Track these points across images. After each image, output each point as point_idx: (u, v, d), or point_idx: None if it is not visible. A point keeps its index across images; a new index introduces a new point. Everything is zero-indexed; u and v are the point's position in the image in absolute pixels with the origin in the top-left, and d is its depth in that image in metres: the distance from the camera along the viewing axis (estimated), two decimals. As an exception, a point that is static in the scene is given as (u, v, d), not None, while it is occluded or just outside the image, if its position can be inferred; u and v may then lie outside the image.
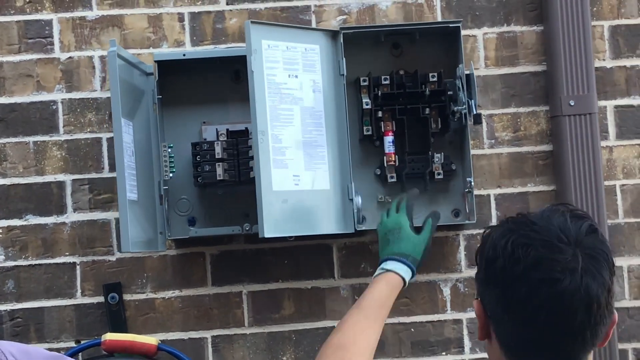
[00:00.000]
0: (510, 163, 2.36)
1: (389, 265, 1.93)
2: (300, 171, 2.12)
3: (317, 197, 2.15)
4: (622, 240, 2.36)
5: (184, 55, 2.23)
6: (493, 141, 2.36)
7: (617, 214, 2.37)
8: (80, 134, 2.30)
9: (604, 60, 2.38)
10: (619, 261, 2.35)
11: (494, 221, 2.34)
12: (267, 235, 2.03)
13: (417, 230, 2.01)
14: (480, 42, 2.37)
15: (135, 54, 2.30)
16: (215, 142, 2.20)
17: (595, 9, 2.38)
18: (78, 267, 2.29)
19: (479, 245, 1.37)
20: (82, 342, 2.26)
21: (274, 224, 2.06)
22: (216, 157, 2.20)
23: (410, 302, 2.33)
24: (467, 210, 2.27)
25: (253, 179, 2.17)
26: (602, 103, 2.37)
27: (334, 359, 1.66)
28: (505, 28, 2.38)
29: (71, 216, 2.29)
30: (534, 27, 2.38)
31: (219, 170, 2.19)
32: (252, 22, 2.06)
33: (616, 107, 2.38)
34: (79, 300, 2.29)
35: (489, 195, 2.35)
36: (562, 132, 2.31)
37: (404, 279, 1.91)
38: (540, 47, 2.37)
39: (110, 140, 2.30)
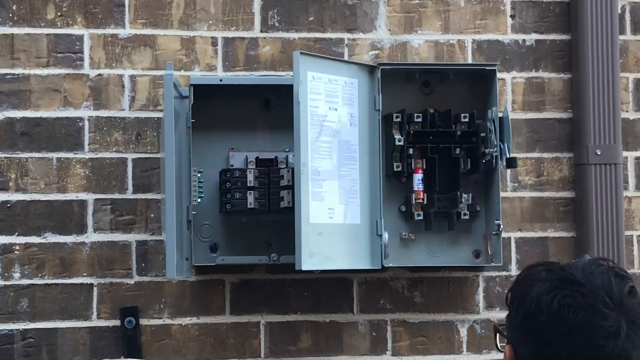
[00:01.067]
0: (532, 207, 2.41)
1: None
2: (335, 204, 2.14)
3: (349, 231, 2.17)
4: (638, 291, 2.41)
5: (221, 80, 2.24)
6: (516, 184, 2.41)
7: (633, 264, 2.42)
8: (105, 152, 2.29)
9: (627, 111, 2.45)
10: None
11: (513, 265, 2.38)
12: (304, 267, 2.04)
13: None
14: (508, 86, 2.42)
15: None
16: (248, 170, 2.21)
17: (621, 60, 2.44)
18: (95, 288, 2.27)
19: (512, 288, 1.39)
20: (96, 365, 2.25)
21: (309, 256, 2.07)
22: (248, 184, 2.20)
23: (428, 341, 2.36)
24: (490, 253, 2.30)
25: (282, 209, 2.21)
26: (624, 154, 2.43)
27: None
28: (533, 73, 2.43)
29: (91, 236, 2.27)
30: (561, 75, 2.43)
31: (250, 198, 2.20)
32: (301, 53, 2.07)
33: (637, 158, 2.45)
34: (94, 322, 2.27)
35: (509, 238, 2.38)
36: (587, 180, 2.37)
37: None
38: (567, 94, 2.43)
39: (135, 161, 2.29)
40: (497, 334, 1.51)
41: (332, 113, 2.16)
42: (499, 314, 2.36)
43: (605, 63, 2.38)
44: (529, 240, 2.40)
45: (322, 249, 2.11)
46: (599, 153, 2.36)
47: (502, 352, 1.49)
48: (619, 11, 2.44)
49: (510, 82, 2.42)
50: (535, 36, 2.43)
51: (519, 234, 2.40)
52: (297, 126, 2.07)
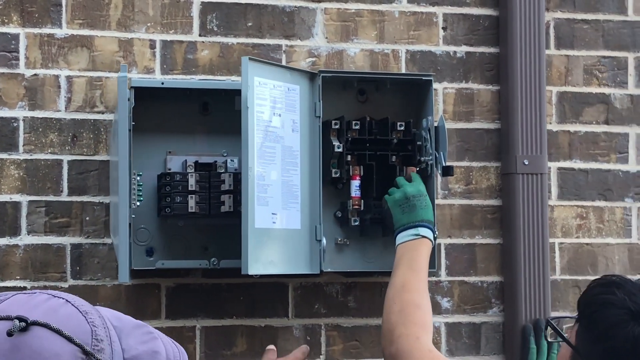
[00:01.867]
0: (461, 214, 2.49)
1: (424, 231, 2.11)
2: (278, 209, 2.17)
3: (290, 236, 2.20)
4: (557, 296, 2.52)
5: (163, 83, 2.24)
6: (446, 192, 2.49)
7: (555, 270, 2.53)
8: (40, 154, 2.27)
9: (550, 123, 2.56)
10: (554, 315, 2.52)
11: (443, 270, 2.45)
12: (250, 272, 2.06)
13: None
14: (440, 96, 2.50)
15: (103, 77, 2.30)
16: (189, 174, 2.22)
17: (545, 74, 2.55)
18: (28, 292, 2.24)
19: (589, 305, 1.58)
20: (26, 371, 2.21)
21: (255, 260, 2.10)
22: (189, 188, 2.21)
23: (360, 345, 2.41)
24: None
25: (222, 213, 2.24)
26: (548, 164, 2.53)
27: (417, 315, 1.92)
28: (463, 84, 2.52)
29: (25, 239, 2.25)
30: (490, 86, 2.53)
31: (191, 202, 2.21)
32: (249, 58, 2.10)
33: (559, 168, 2.56)
34: (27, 327, 2.24)
35: (439, 245, 2.46)
36: (514, 189, 2.46)
37: (432, 241, 2.13)
38: (495, 105, 2.53)
39: (71, 163, 2.28)
40: (549, 327, 1.71)
41: (276, 119, 2.19)
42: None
43: (532, 76, 2.49)
44: (458, 246, 2.48)
45: (267, 253, 2.14)
46: (526, 163, 2.46)
47: (567, 343, 1.64)
48: (544, 26, 2.55)
49: (441, 92, 2.50)
50: (465, 48, 2.52)
51: (449, 240, 2.48)
52: (244, 131, 2.09)
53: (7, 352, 1.15)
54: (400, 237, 2.13)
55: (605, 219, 2.58)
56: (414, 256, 2.07)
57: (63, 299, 1.21)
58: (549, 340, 1.75)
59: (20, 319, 1.16)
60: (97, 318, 1.21)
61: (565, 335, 1.65)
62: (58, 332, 1.16)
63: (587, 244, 2.57)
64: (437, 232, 2.20)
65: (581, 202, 2.57)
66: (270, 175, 2.17)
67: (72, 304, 1.21)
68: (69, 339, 1.17)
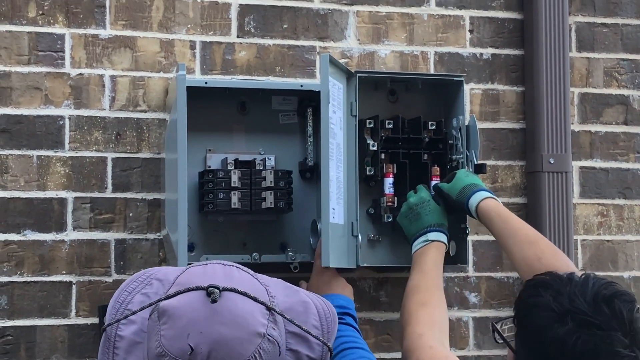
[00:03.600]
0: (488, 212, 2.61)
1: (432, 236, 2.22)
2: (335, 205, 2.27)
3: (340, 231, 2.31)
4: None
5: (206, 83, 2.34)
6: (473, 190, 2.61)
7: (578, 266, 2.64)
8: (85, 151, 2.37)
9: (572, 124, 2.69)
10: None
11: (470, 266, 2.57)
12: (331, 265, 2.18)
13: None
14: (467, 97, 2.61)
15: (146, 77, 2.41)
16: (232, 171, 2.32)
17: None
18: (74, 286, 2.33)
19: (519, 310, 1.58)
20: (75, 365, 2.32)
21: (332, 254, 2.19)
22: (232, 185, 2.31)
23: (392, 338, 2.53)
24: (452, 254, 2.46)
25: (263, 210, 2.34)
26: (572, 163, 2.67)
27: (421, 313, 1.98)
28: (489, 85, 2.64)
29: (71, 234, 2.34)
30: (514, 87, 2.66)
31: (234, 198, 2.31)
32: (329, 57, 2.20)
33: (581, 167, 2.69)
34: (73, 320, 2.33)
35: (468, 242, 2.54)
36: (540, 187, 2.59)
37: (446, 244, 2.21)
38: (519, 106, 2.65)
39: (115, 160, 2.38)
40: (495, 331, 1.71)
41: (334, 116, 2.29)
42: (457, 313, 2.55)
43: (557, 77, 2.61)
44: (485, 243, 2.60)
45: (332, 247, 2.23)
46: (552, 162, 2.59)
47: (507, 345, 1.67)
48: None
49: (468, 92, 2.62)
50: (491, 50, 2.65)
51: (476, 237, 2.60)
52: (325, 127, 2.19)
53: (209, 315, 1.31)
54: (414, 247, 2.26)
55: (624, 216, 2.71)
56: (422, 260, 2.18)
57: (233, 266, 1.39)
58: (498, 342, 1.74)
59: (214, 287, 1.32)
60: (264, 278, 1.39)
61: (508, 338, 1.67)
62: (245, 294, 1.34)
63: (607, 240, 2.70)
64: (449, 236, 2.28)
65: (602, 200, 2.70)
66: (332, 171, 2.26)
67: (242, 269, 1.40)
68: (254, 299, 1.34)
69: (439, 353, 1.87)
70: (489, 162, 2.62)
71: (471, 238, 2.59)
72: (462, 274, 2.58)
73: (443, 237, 2.24)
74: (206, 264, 1.41)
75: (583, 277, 1.58)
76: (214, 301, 1.30)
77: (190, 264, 2.22)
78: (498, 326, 1.73)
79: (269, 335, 1.33)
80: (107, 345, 1.43)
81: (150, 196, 2.39)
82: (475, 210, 2.21)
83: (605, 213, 2.71)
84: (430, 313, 2.00)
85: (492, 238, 2.56)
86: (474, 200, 2.21)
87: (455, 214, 2.35)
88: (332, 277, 2.24)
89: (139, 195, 2.39)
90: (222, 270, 1.38)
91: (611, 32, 2.74)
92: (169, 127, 2.33)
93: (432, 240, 2.22)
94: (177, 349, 1.31)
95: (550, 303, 1.52)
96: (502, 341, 1.71)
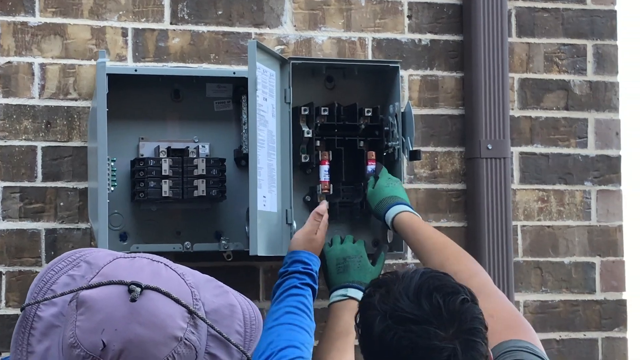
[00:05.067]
0: (427, 198, 2.62)
1: (352, 292, 2.23)
2: (266, 192, 2.27)
3: (272, 219, 2.31)
4: (520, 277, 2.66)
5: (136, 70, 2.34)
6: (412, 177, 2.62)
7: (517, 252, 2.67)
8: (14, 140, 2.36)
9: (512, 109, 2.69)
10: (516, 296, 2.66)
11: (409, 252, 2.57)
12: (260, 253, 2.17)
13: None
14: (405, 83, 2.62)
15: (76, 64, 2.40)
16: (163, 160, 2.31)
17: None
18: (4, 276, 2.32)
19: (358, 311, 1.57)
20: (3, 355, 2.30)
21: (260, 242, 2.19)
22: (163, 173, 2.31)
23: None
24: (390, 241, 2.49)
25: (196, 198, 2.34)
26: (510, 149, 2.66)
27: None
28: (428, 72, 2.64)
29: (0, 224, 2.34)
30: (453, 73, 2.66)
31: (165, 187, 2.31)
32: (257, 43, 2.20)
33: (521, 153, 2.70)
34: (3, 311, 2.32)
35: None
36: (478, 173, 2.59)
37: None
38: (458, 92, 2.66)
39: (45, 149, 2.37)
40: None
41: (265, 103, 2.28)
42: None
43: (495, 63, 2.62)
44: None
45: (261, 235, 2.23)
46: (490, 147, 2.59)
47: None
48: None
49: (407, 79, 2.62)
50: (430, 36, 2.65)
51: None
52: (252, 114, 2.19)
53: (127, 313, 1.29)
54: (331, 298, 2.29)
55: (565, 202, 2.72)
56: (335, 322, 2.23)
57: (162, 262, 1.36)
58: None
59: (136, 284, 1.29)
60: (191, 278, 1.36)
61: None
62: (167, 295, 1.30)
63: (548, 226, 2.71)
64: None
65: (542, 185, 2.71)
66: (262, 158, 2.26)
67: (171, 268, 1.36)
68: (177, 301, 1.30)
69: None
70: (427, 149, 2.63)
71: (410, 225, 2.59)
72: (400, 261, 2.59)
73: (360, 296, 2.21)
74: (134, 257, 1.38)
75: (412, 272, 1.57)
76: (133, 300, 1.29)
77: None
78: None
79: (186, 339, 1.31)
80: (24, 324, 1.38)
81: (81, 185, 2.39)
82: (392, 224, 2.28)
83: (545, 199, 2.72)
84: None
85: (431, 224, 2.59)
86: (389, 215, 2.29)
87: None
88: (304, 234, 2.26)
89: (70, 185, 2.38)
90: (149, 267, 1.35)
91: (552, 16, 2.75)
92: (90, 115, 2.33)
93: (350, 297, 2.26)
94: (90, 342, 1.29)
95: (376, 302, 1.53)
96: None
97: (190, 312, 1.31)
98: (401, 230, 2.26)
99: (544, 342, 2.61)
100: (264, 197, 2.27)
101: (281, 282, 2.14)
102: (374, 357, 1.51)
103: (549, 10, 2.75)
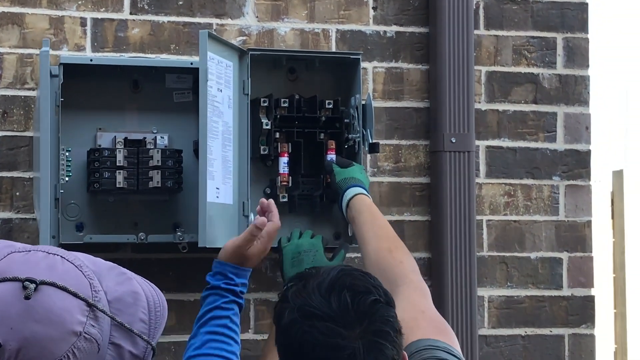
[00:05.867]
0: (390, 192, 2.62)
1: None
2: (220, 184, 2.27)
3: (226, 211, 2.31)
4: (485, 272, 2.66)
5: (91, 60, 2.34)
6: (376, 170, 2.62)
7: (483, 247, 2.67)
8: (-30, 130, 2.37)
9: (479, 102, 2.69)
10: (481, 291, 2.65)
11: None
12: (208, 245, 2.18)
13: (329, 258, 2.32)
14: (370, 75, 2.62)
15: (34, 54, 2.40)
16: (117, 150, 2.33)
17: (475, 54, 2.67)
18: (-42, 266, 2.34)
19: (278, 301, 1.57)
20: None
21: (210, 234, 2.20)
22: (117, 164, 2.31)
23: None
24: (350, 234, 2.50)
25: (152, 189, 2.35)
26: (476, 143, 2.66)
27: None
28: (393, 64, 2.64)
29: (-46, 214, 2.36)
30: (419, 66, 2.66)
31: (119, 177, 2.31)
32: (209, 33, 2.20)
33: (487, 147, 2.69)
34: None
35: None
36: (442, 166, 2.60)
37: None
38: (424, 85, 2.65)
39: (1, 139, 2.39)
40: None
41: (219, 94, 2.29)
42: None
43: (461, 56, 2.61)
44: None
45: (214, 227, 2.24)
46: (453, 141, 2.59)
47: None
48: (474, 7, 2.67)
49: (371, 71, 2.62)
50: (395, 28, 2.64)
51: None
52: (203, 105, 2.20)
53: (22, 311, 1.26)
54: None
55: (533, 196, 2.72)
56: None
57: (58, 255, 1.33)
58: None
59: (31, 280, 1.27)
60: (89, 269, 1.33)
61: None
62: (64, 289, 1.28)
63: (514, 221, 2.70)
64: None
65: (509, 180, 2.70)
66: (216, 150, 2.26)
67: (68, 260, 1.32)
68: (75, 295, 1.28)
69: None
70: (392, 142, 2.63)
71: (372, 218, 2.59)
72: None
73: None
74: (29, 251, 1.35)
75: (330, 269, 1.55)
76: (27, 297, 1.27)
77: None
78: None
79: (86, 333, 1.29)
80: None
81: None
82: (349, 200, 2.27)
83: (512, 193, 2.71)
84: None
85: (394, 218, 2.60)
86: (351, 192, 2.28)
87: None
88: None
89: (26, 175, 2.39)
90: (44, 261, 1.33)
91: (521, 9, 2.74)
92: (36, 105, 2.33)
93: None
94: None
95: (290, 294, 1.53)
96: None
97: (89, 305, 1.30)
98: (357, 209, 2.24)
99: (509, 337, 2.65)
100: (217, 188, 2.27)
101: (206, 296, 2.07)
102: (282, 350, 1.51)
103: (517, 2, 2.74)
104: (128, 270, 1.41)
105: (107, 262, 1.40)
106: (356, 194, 2.27)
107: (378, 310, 1.48)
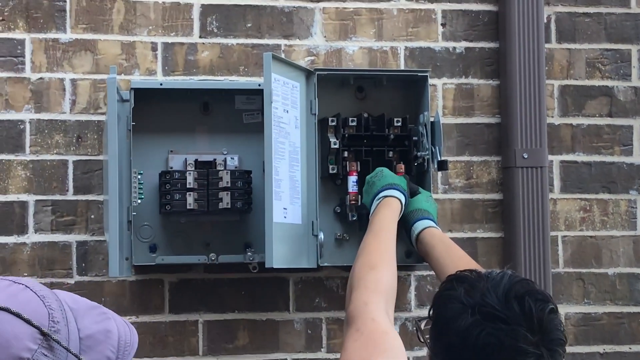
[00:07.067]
0: (462, 209, 2.65)
1: (382, 194, 2.28)
2: (287, 204, 2.33)
3: (294, 231, 2.37)
4: (561, 289, 2.67)
5: (161, 84, 2.43)
6: (447, 187, 2.64)
7: (558, 263, 2.67)
8: (46, 155, 2.47)
9: (552, 117, 2.70)
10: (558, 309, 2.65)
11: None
12: (275, 265, 2.22)
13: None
14: (439, 92, 2.65)
15: (107, 79, 2.47)
16: (187, 172, 2.40)
17: (547, 68, 2.69)
18: (36, 288, 2.44)
19: (434, 304, 1.60)
20: (35, 364, 2.41)
21: (277, 254, 2.24)
22: (187, 186, 2.39)
23: (361, 338, 2.58)
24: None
25: (222, 210, 2.41)
26: (550, 157, 2.67)
27: (369, 277, 1.99)
28: (463, 80, 2.67)
29: (32, 237, 2.45)
30: (489, 81, 2.68)
31: (190, 199, 2.39)
32: (273, 55, 2.26)
33: (562, 162, 2.70)
34: (35, 321, 2.44)
35: None
36: (514, 182, 2.61)
37: (400, 201, 2.27)
38: (495, 100, 2.67)
39: (76, 163, 2.49)
40: (418, 331, 1.73)
41: (286, 115, 2.35)
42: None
43: (532, 70, 2.63)
44: (459, 240, 2.62)
45: (282, 247, 2.29)
46: (525, 157, 2.61)
47: (425, 344, 1.70)
48: (545, 21, 2.69)
49: (441, 88, 2.66)
50: (465, 44, 2.68)
51: (449, 235, 2.60)
52: (268, 126, 2.25)
53: None
54: (371, 212, 2.30)
55: (609, 211, 2.71)
56: (373, 220, 2.22)
57: (22, 284, 1.39)
58: (420, 341, 1.75)
59: None
60: (54, 301, 1.37)
61: (426, 335, 1.69)
62: (17, 315, 1.33)
63: (591, 236, 2.70)
64: (405, 191, 2.32)
65: (585, 195, 2.70)
66: (283, 170, 2.32)
67: (31, 289, 1.38)
68: (28, 322, 1.33)
69: (379, 328, 1.87)
70: (463, 158, 2.66)
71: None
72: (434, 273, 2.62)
73: (395, 193, 2.29)
74: None
75: (500, 273, 1.60)
76: None
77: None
78: (421, 324, 1.74)
79: None
80: None
81: (111, 198, 2.49)
82: (417, 234, 2.29)
83: (588, 208, 2.71)
84: (377, 277, 2.01)
85: (467, 235, 2.63)
86: (419, 225, 2.30)
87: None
88: None
89: (101, 198, 2.48)
90: (8, 289, 1.38)
91: (594, 21, 2.74)
92: (104, 129, 2.43)
93: (383, 197, 2.28)
94: None
95: (461, 295, 1.55)
96: (422, 340, 1.73)
97: (42, 333, 1.33)
98: (429, 242, 2.26)
99: (587, 355, 2.65)
100: (285, 208, 2.33)
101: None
102: (453, 350, 1.54)
103: (590, 15, 2.75)
104: (110, 311, 1.46)
105: (92, 302, 1.44)
106: (425, 228, 2.29)
107: (555, 319, 1.54)
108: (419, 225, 2.30)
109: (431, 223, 2.30)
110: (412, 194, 2.37)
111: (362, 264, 2.06)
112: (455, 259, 2.17)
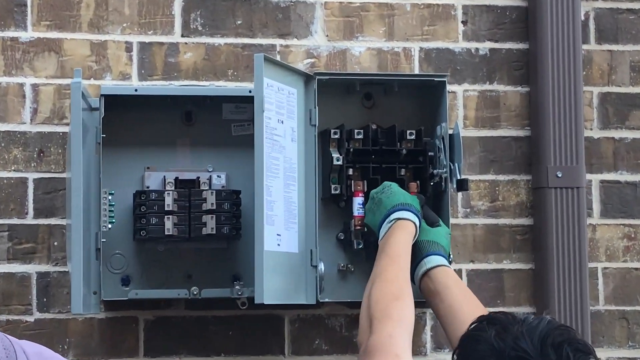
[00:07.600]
0: (486, 236, 2.42)
1: (394, 216, 2.11)
2: (282, 230, 2.12)
3: (290, 261, 2.15)
4: (601, 330, 2.44)
5: (136, 90, 2.21)
6: (468, 210, 2.42)
7: (598, 300, 2.44)
8: (2, 172, 2.27)
9: (591, 129, 2.47)
10: (598, 352, 2.37)
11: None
12: (266, 302, 2.02)
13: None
14: (460, 100, 2.43)
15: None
16: (166, 192, 2.18)
17: (584, 73, 2.46)
18: (-11, 326, 2.22)
19: (460, 348, 1.54)
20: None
21: (268, 288, 2.04)
22: (166, 208, 2.18)
23: (369, 386, 2.32)
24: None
25: (204, 236, 2.19)
26: (588, 176, 2.44)
27: (394, 308, 1.94)
28: (487, 86, 2.45)
29: (-15, 267, 2.24)
30: (518, 88, 2.45)
31: (168, 224, 2.17)
32: (265, 57, 2.06)
33: (602, 181, 2.47)
34: (-13, 365, 2.21)
35: (460, 270, 2.37)
36: (546, 205, 2.39)
37: (415, 225, 2.12)
38: (524, 110, 2.45)
39: (37, 182, 2.28)
40: None
41: (280, 126, 2.14)
42: (449, 356, 2.34)
43: (567, 75, 2.42)
44: (483, 272, 2.40)
45: (274, 280, 2.09)
46: (559, 175, 2.39)
47: None
48: (582, 18, 2.47)
49: (461, 95, 2.43)
50: (489, 44, 2.46)
51: (471, 266, 2.40)
52: (258, 140, 2.05)
53: None
54: (380, 236, 2.13)
55: (657, 239, 2.49)
56: (388, 242, 2.09)
57: None
58: None
59: None
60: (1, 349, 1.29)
61: None
62: None
63: (636, 268, 2.47)
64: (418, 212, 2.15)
65: (629, 220, 2.48)
66: (277, 190, 2.12)
67: None
68: None
69: None
70: (487, 177, 2.44)
71: (466, 267, 2.40)
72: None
73: (409, 215, 2.12)
74: None
75: (537, 318, 1.54)
76: None
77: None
78: None
79: None
80: None
81: (77, 222, 2.26)
82: (431, 268, 2.12)
83: (633, 235, 2.47)
84: (402, 308, 1.97)
85: (491, 266, 2.43)
86: (432, 260, 2.13)
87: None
88: None
89: (65, 221, 2.26)
90: None
91: (639, 19, 2.52)
92: (67, 143, 2.22)
93: (397, 219, 2.11)
94: None
95: (491, 338, 1.50)
96: None
97: None
98: (443, 282, 2.11)
99: (633, 404, 2.42)
100: (279, 235, 2.10)
101: None
102: None
103: (635, 11, 2.52)
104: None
105: (61, 357, 1.37)
106: (439, 265, 2.11)
107: None
108: (433, 260, 2.12)
109: (446, 262, 2.13)
110: (429, 222, 2.18)
111: (384, 292, 2.00)
112: (472, 307, 2.04)
